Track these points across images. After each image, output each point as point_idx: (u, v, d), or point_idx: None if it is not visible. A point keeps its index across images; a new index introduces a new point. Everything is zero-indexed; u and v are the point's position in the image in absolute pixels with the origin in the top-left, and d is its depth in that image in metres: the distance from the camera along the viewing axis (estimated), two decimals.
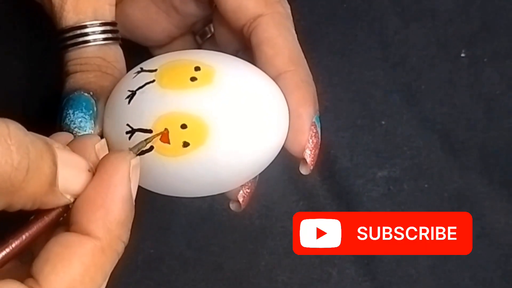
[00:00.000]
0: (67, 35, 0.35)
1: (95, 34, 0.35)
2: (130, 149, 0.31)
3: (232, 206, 0.38)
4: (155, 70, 0.34)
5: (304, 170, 0.37)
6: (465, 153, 0.47)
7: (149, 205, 0.46)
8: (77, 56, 0.36)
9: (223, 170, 0.34)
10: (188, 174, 0.34)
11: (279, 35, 0.36)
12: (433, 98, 0.47)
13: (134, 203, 0.29)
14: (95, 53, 0.35)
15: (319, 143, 0.36)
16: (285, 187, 0.47)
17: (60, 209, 0.29)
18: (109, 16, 0.36)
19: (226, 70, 0.34)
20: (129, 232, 0.29)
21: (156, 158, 0.33)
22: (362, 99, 0.47)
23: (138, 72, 0.34)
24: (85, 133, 0.35)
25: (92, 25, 0.35)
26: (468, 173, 0.47)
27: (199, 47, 0.43)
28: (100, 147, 0.31)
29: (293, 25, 0.37)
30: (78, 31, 0.35)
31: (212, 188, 0.36)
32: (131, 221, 0.29)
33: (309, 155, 0.36)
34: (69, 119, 0.34)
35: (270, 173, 0.45)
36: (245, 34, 0.37)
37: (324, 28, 0.47)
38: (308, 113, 0.35)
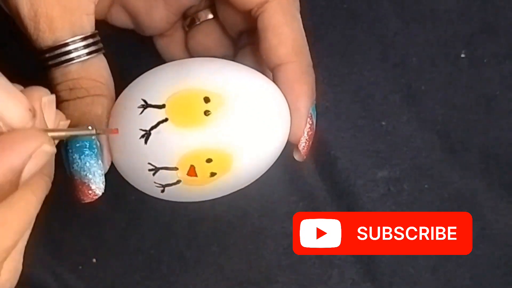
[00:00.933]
0: (48, 55, 0.34)
1: (77, 51, 0.34)
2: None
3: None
4: (163, 106, 0.34)
5: (297, 157, 0.38)
6: (465, 153, 0.47)
7: (149, 205, 0.46)
8: (63, 79, 0.35)
9: (245, 182, 0.36)
10: (214, 194, 0.36)
11: (284, 23, 0.36)
12: (433, 99, 0.47)
13: (18, 183, 0.28)
14: (79, 73, 0.34)
15: (313, 134, 0.37)
16: (285, 187, 0.47)
17: None
18: (89, 27, 0.35)
19: (234, 93, 0.34)
20: None
21: (184, 188, 0.35)
22: (362, 99, 0.47)
23: (144, 107, 0.34)
24: (95, 178, 0.35)
25: (73, 42, 0.34)
26: (468, 173, 0.46)
27: (186, 33, 0.43)
28: (47, 101, 0.29)
29: (299, 8, 0.37)
30: (59, 51, 0.34)
31: (229, 192, 0.37)
32: (8, 194, 0.28)
33: (303, 146, 0.37)
34: (77, 165, 0.34)
35: (270, 173, 0.45)
36: (253, 17, 0.37)
37: (324, 28, 0.47)
38: (305, 107, 0.36)
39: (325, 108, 0.47)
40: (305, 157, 0.38)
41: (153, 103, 0.34)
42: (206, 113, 0.34)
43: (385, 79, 0.47)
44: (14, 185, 0.28)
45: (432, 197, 0.46)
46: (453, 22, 0.47)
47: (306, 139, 0.37)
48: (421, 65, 0.47)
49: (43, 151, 0.28)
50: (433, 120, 0.47)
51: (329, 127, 0.47)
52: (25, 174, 0.28)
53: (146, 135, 0.34)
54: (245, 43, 0.40)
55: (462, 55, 0.47)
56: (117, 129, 0.34)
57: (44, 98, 0.29)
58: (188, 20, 0.42)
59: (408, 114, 0.47)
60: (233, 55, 0.42)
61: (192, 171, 0.34)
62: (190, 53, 0.43)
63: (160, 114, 0.34)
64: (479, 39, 0.47)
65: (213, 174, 0.34)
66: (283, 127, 0.36)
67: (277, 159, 0.45)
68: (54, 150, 0.29)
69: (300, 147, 0.37)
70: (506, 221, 0.46)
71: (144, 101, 0.34)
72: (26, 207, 0.30)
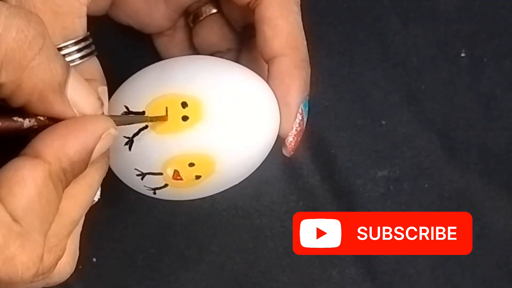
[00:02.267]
0: None
1: (70, 55, 0.34)
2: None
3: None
4: (143, 113, 0.34)
5: (285, 152, 0.38)
6: (465, 153, 0.47)
7: (149, 205, 0.46)
8: None
9: (234, 180, 0.36)
10: (204, 193, 0.36)
11: (280, 15, 0.36)
12: (433, 98, 0.47)
13: (89, 161, 0.30)
14: None
15: (303, 130, 0.37)
16: (285, 187, 0.47)
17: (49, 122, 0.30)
18: (81, 30, 0.34)
19: (212, 96, 0.34)
20: (72, 179, 0.30)
21: (173, 190, 0.35)
22: (362, 99, 0.47)
23: (126, 114, 0.35)
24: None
25: (66, 47, 0.34)
26: (468, 173, 0.46)
27: (190, 30, 0.43)
28: (102, 91, 0.32)
29: (299, 2, 0.37)
30: None
31: (220, 190, 0.37)
32: (79, 171, 0.30)
33: (290, 141, 0.37)
34: None
35: (270, 173, 0.45)
36: (251, 10, 0.37)
37: (324, 28, 0.47)
38: (295, 102, 0.36)
39: (325, 108, 0.47)
40: (292, 152, 0.37)
41: (134, 110, 0.34)
42: (184, 118, 0.34)
43: (385, 79, 0.47)
44: (85, 164, 0.30)
45: (432, 196, 0.46)
46: (453, 22, 0.47)
47: (295, 135, 0.37)
48: (421, 65, 0.47)
49: (110, 134, 0.30)
50: (433, 120, 0.47)
51: (329, 126, 0.47)
52: (95, 154, 0.30)
53: (130, 142, 0.34)
54: (249, 37, 0.40)
55: (462, 55, 0.47)
56: (166, 116, 0.34)
57: (100, 88, 0.32)
58: (191, 16, 0.42)
59: (408, 113, 0.47)
60: (238, 50, 0.42)
61: (176, 176, 0.34)
62: (196, 50, 0.43)
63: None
64: (479, 39, 0.47)
65: (198, 177, 0.34)
66: (269, 124, 0.36)
67: (277, 159, 0.45)
68: (118, 133, 0.31)
69: (287, 142, 0.37)
70: (506, 221, 0.46)
71: (126, 107, 0.35)
72: (90, 182, 0.32)
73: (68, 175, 0.29)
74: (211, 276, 0.46)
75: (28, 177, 0.28)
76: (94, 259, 0.46)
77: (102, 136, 0.30)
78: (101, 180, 0.33)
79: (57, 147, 0.29)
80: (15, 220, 0.27)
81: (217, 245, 0.46)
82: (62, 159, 0.29)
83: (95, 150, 0.30)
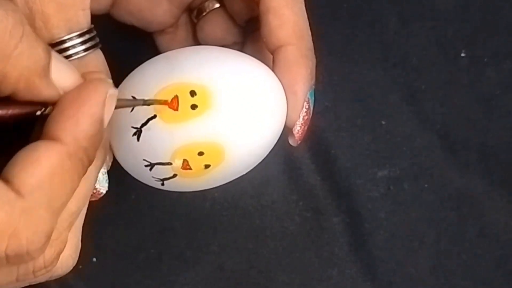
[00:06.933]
0: None
1: (75, 48, 0.34)
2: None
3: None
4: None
5: (291, 142, 0.38)
6: (465, 153, 0.47)
7: (149, 205, 0.46)
8: None
9: (243, 170, 0.36)
10: (213, 183, 0.36)
11: (285, 5, 0.36)
12: (433, 98, 0.47)
13: (104, 128, 0.30)
14: (78, 69, 0.33)
15: (309, 119, 0.37)
16: (285, 187, 0.47)
17: (41, 107, 0.30)
18: (85, 23, 0.34)
19: (220, 85, 0.34)
20: (95, 152, 0.30)
21: (181, 180, 0.35)
22: (362, 99, 0.47)
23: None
24: (98, 178, 0.35)
25: (70, 39, 0.34)
26: (468, 173, 0.47)
27: (194, 26, 0.43)
28: (111, 94, 0.31)
29: None
30: (56, 48, 0.34)
31: (229, 180, 0.37)
32: (99, 142, 0.30)
33: (297, 131, 0.37)
34: None
35: (270, 173, 0.45)
36: (255, 0, 0.37)
37: (324, 28, 0.47)
38: (302, 91, 0.36)
39: (325, 108, 0.47)
40: (299, 141, 0.37)
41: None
42: (193, 107, 0.34)
43: (385, 78, 0.47)
44: (101, 133, 0.30)
45: (432, 196, 0.47)
46: (453, 22, 0.47)
47: (301, 124, 0.37)
48: (421, 65, 0.47)
49: (111, 96, 0.30)
50: (433, 120, 0.47)
51: (329, 126, 0.47)
52: (106, 120, 0.30)
53: (138, 132, 0.34)
54: (252, 30, 0.40)
55: (462, 55, 0.47)
56: (167, 100, 0.34)
57: (110, 91, 0.31)
58: (195, 11, 0.42)
59: (408, 113, 0.47)
60: (243, 43, 0.42)
61: (186, 165, 0.34)
62: (200, 45, 0.43)
63: (149, 111, 0.34)
64: (479, 39, 0.47)
65: (207, 166, 0.34)
66: (277, 113, 0.36)
67: (277, 159, 0.45)
68: (117, 92, 0.31)
69: (295, 131, 0.37)
70: (506, 221, 0.46)
71: (134, 98, 0.34)
72: (86, 175, 0.31)
73: (90, 150, 0.29)
74: (211, 276, 0.46)
75: (43, 157, 0.28)
76: (94, 259, 0.46)
77: (106, 100, 0.30)
78: (98, 172, 0.33)
79: (71, 127, 0.29)
80: (20, 195, 0.27)
81: (217, 245, 0.46)
82: (79, 138, 0.29)
83: (104, 116, 0.30)
